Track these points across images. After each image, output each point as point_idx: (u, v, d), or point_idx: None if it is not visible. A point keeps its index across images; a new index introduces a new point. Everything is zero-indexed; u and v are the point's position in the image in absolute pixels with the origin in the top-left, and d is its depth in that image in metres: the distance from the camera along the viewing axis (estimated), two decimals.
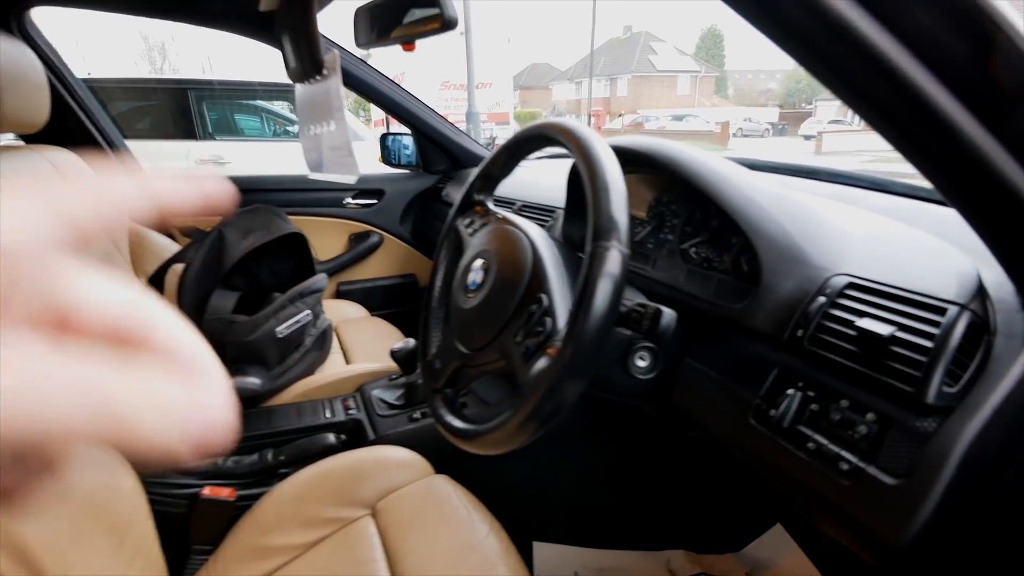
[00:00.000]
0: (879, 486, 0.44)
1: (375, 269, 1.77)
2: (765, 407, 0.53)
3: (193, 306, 0.94)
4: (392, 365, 1.19)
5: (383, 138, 1.72)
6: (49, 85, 1.04)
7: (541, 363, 0.51)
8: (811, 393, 0.51)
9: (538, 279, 0.57)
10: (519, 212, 1.08)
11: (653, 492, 1.21)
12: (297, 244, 1.10)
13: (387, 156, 1.74)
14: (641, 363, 0.62)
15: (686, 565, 1.14)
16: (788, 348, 0.54)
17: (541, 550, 1.13)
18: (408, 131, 1.68)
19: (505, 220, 0.67)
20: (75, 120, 1.36)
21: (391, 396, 1.06)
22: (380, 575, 0.72)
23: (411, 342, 1.02)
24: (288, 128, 4.51)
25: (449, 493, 0.82)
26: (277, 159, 4.05)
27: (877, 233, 0.60)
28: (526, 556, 1.14)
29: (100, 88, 3.49)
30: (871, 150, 10.29)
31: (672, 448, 1.17)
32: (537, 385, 0.50)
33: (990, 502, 0.43)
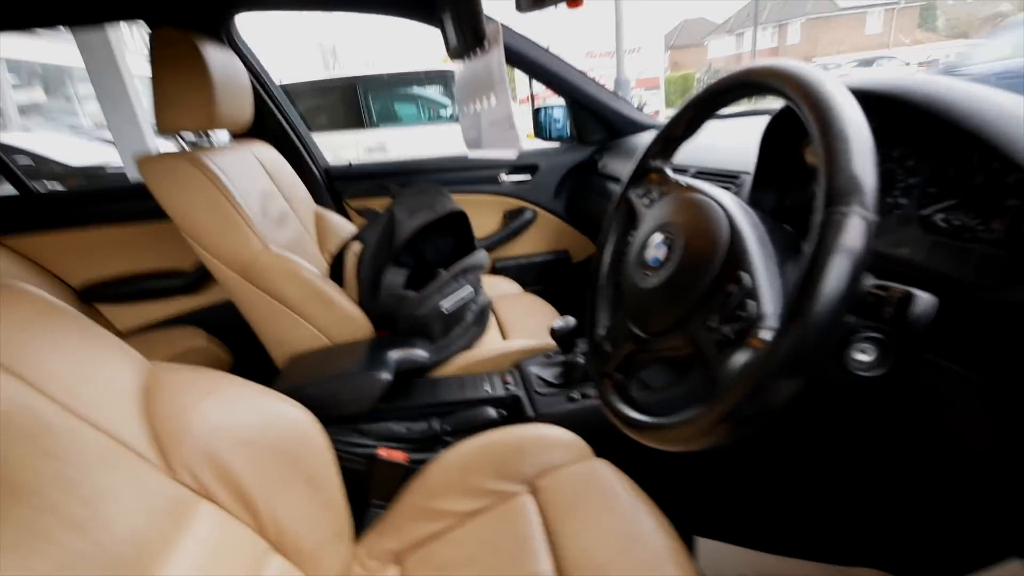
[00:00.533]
0: None
1: (529, 245, 1.77)
2: None
3: (370, 281, 1.02)
4: (549, 342, 1.17)
5: (536, 112, 1.69)
6: (252, 88, 1.19)
7: (743, 355, 0.43)
8: None
9: (737, 255, 0.48)
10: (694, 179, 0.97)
11: (846, 498, 1.03)
12: (459, 222, 1.13)
13: (539, 130, 1.71)
14: (863, 357, 0.50)
15: None
16: None
17: (706, 547, 1.04)
18: (560, 103, 1.63)
19: (690, 188, 0.59)
20: (273, 119, 1.56)
21: (549, 374, 1.04)
22: (540, 553, 0.71)
23: (571, 320, 0.99)
24: (440, 112, 4.77)
25: (611, 479, 0.78)
26: (430, 141, 4.32)
27: None
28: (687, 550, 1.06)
29: (290, 90, 4.03)
30: None
31: (877, 448, 0.98)
32: (740, 382, 0.41)
33: None
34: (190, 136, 1.16)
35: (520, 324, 1.33)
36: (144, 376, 0.69)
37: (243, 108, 1.18)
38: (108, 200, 1.51)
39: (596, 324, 0.70)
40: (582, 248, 1.82)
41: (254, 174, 1.22)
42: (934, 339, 0.50)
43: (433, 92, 4.78)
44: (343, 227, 1.49)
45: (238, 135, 1.45)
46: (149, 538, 0.57)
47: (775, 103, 0.70)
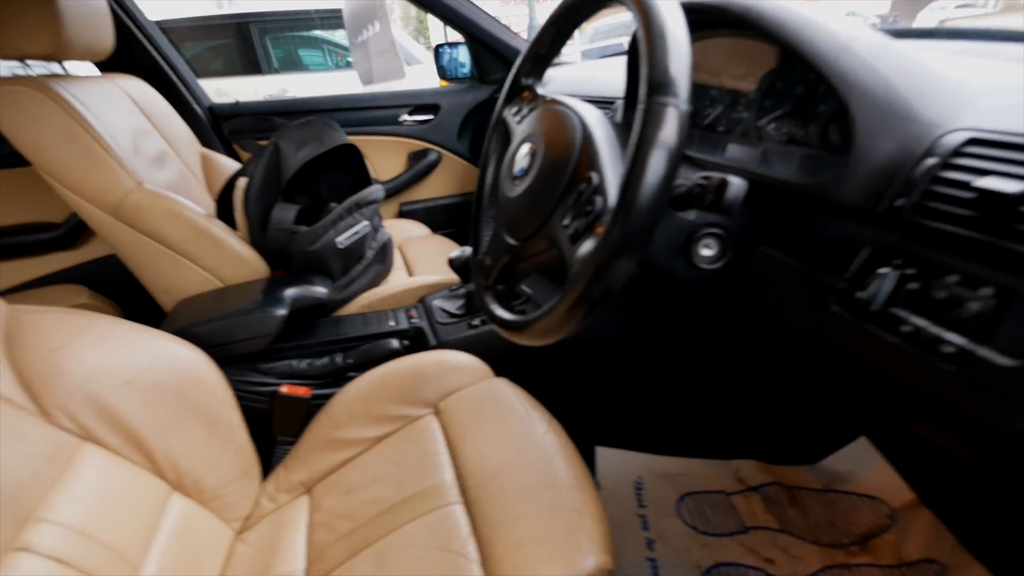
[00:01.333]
0: (991, 368, 0.37)
1: (435, 188, 1.76)
2: (851, 290, 0.46)
3: (258, 219, 0.98)
4: (453, 278, 1.20)
5: (437, 50, 1.64)
6: (114, 15, 1.06)
7: (589, 244, 0.47)
8: (910, 271, 0.43)
9: (587, 156, 0.52)
10: None
11: (722, 400, 1.17)
12: (352, 157, 1.10)
13: (441, 72, 1.66)
14: (707, 251, 0.57)
15: (756, 475, 1.11)
16: (884, 222, 0.46)
17: (604, 455, 1.14)
18: (461, 42, 1.59)
19: (554, 101, 0.61)
20: (143, 52, 1.41)
21: (452, 306, 1.07)
22: (443, 465, 0.75)
23: (467, 250, 1.01)
24: (349, 59, 4.48)
25: (508, 394, 0.83)
26: (340, 89, 4.07)
27: (1010, 81, 0.48)
28: (588, 461, 1.16)
29: (172, 30, 3.60)
30: None
31: (743, 353, 1.11)
32: (585, 267, 0.46)
33: None
34: (41, 68, 1.03)
35: (427, 263, 1.34)
36: (3, 320, 0.64)
37: (99, 35, 1.05)
38: None
39: (480, 242, 0.72)
40: None
41: (122, 108, 1.10)
42: (763, 233, 0.58)
43: (341, 37, 4.47)
44: (229, 166, 1.40)
45: (104, 69, 1.30)
46: (29, 483, 0.55)
47: None
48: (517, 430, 0.77)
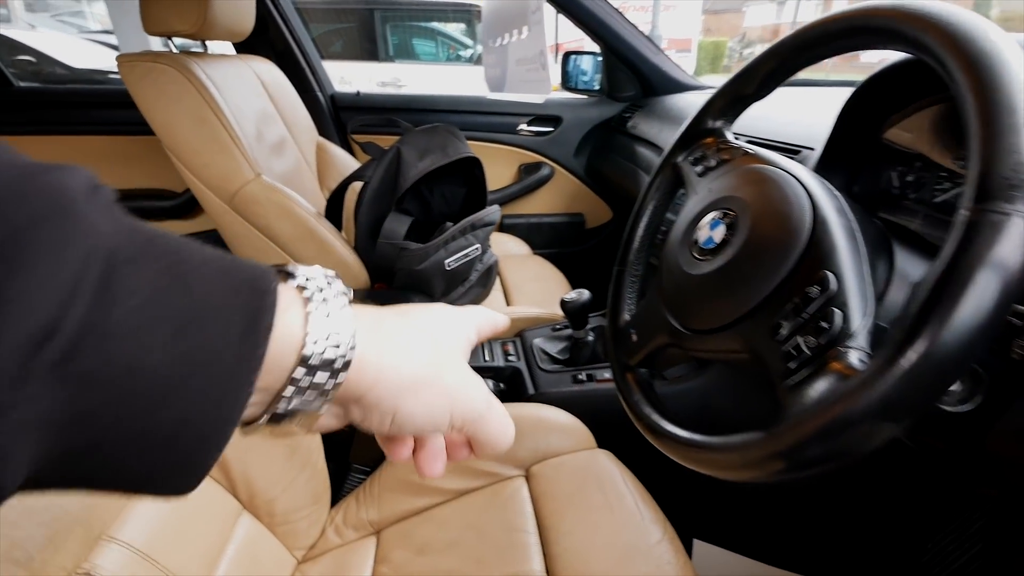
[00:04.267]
0: None
1: (542, 204, 1.66)
2: None
3: (368, 226, 0.92)
4: (555, 312, 1.09)
5: (565, 58, 1.54)
6: None
7: (823, 381, 0.34)
8: None
9: (821, 249, 0.38)
10: None
11: (853, 519, 0.98)
12: (472, 169, 1.02)
13: (566, 79, 1.56)
14: (952, 387, 0.42)
15: None
16: None
17: (702, 550, 0.99)
18: (593, 51, 1.48)
19: (758, 158, 0.48)
20: (279, 34, 1.41)
21: (554, 348, 0.96)
22: (531, 549, 0.65)
23: (584, 294, 0.90)
24: (460, 53, 4.51)
25: (614, 474, 0.72)
26: (448, 81, 4.10)
27: None
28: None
29: (302, 7, 3.77)
30: None
31: (903, 477, 0.92)
32: (814, 415, 0.33)
33: None
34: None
35: (526, 289, 1.25)
36: None
37: (242, 15, 1.04)
38: (95, 105, 1.38)
39: (621, 307, 0.61)
40: (598, 213, 1.71)
41: (252, 92, 1.09)
42: None
43: (456, 30, 4.50)
44: (346, 162, 1.37)
45: (239, 49, 1.31)
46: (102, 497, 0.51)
47: (852, 75, 0.58)
48: (626, 530, 0.65)
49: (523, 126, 1.55)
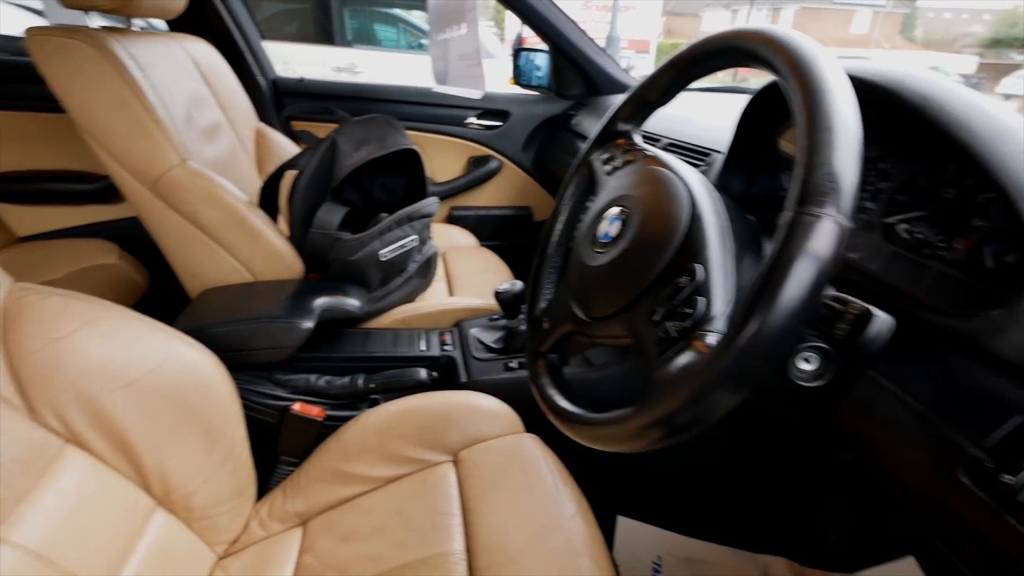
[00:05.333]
0: None
1: (490, 197, 1.67)
2: (993, 465, 0.36)
3: (302, 216, 0.91)
4: (494, 304, 1.11)
5: (516, 54, 1.56)
6: None
7: (685, 358, 0.37)
8: None
9: (693, 243, 0.42)
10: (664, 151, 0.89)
11: (760, 489, 1.05)
12: (411, 161, 1.02)
13: (518, 74, 1.58)
14: (805, 365, 0.46)
15: (785, 572, 0.99)
16: None
17: (625, 526, 1.04)
18: (544, 48, 1.50)
19: (655, 160, 0.52)
20: (214, 12, 1.36)
21: (489, 338, 0.98)
22: (454, 530, 0.67)
23: (518, 284, 0.92)
24: (423, 41, 4.44)
25: (537, 457, 0.74)
26: (408, 71, 4.02)
27: None
28: (608, 528, 1.06)
29: None
30: None
31: (796, 447, 0.99)
32: (677, 387, 0.36)
33: None
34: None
35: (469, 280, 1.26)
36: (3, 298, 0.58)
37: None
38: (6, 79, 1.29)
39: (538, 297, 0.63)
40: (546, 207, 1.74)
41: (183, 73, 1.05)
42: (878, 354, 0.46)
43: (419, 18, 4.42)
44: (287, 149, 1.34)
45: (173, 28, 1.26)
46: None
47: (760, 81, 0.63)
48: (543, 506, 0.68)
49: (471, 119, 1.56)
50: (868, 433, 0.47)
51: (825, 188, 0.33)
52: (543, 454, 0.75)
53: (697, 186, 0.46)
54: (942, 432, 0.40)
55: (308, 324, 0.81)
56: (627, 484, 1.06)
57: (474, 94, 0.86)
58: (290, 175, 0.94)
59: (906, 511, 0.81)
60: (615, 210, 0.49)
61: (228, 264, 0.92)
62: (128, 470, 0.60)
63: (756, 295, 0.33)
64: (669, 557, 1.04)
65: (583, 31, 1.43)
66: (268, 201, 1.00)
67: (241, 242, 0.91)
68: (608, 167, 0.57)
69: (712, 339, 0.36)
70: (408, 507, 0.71)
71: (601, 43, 1.47)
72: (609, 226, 0.49)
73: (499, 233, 1.68)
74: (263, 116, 1.39)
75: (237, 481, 0.73)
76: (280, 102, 1.49)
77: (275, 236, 0.93)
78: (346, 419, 0.82)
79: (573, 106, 1.55)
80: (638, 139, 0.57)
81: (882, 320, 0.38)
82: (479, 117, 1.56)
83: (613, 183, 0.54)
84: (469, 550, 0.64)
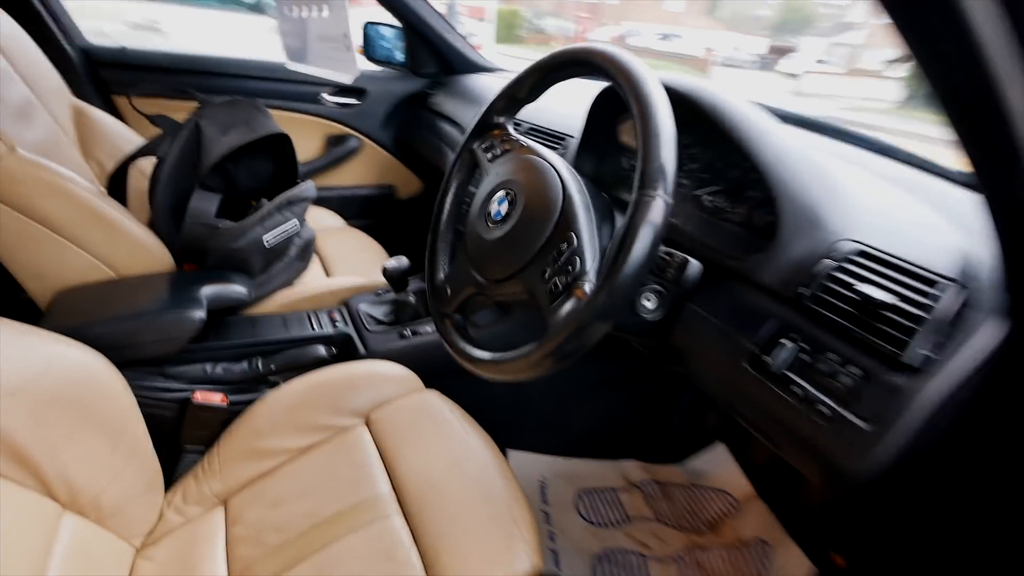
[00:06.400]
0: (852, 428, 0.50)
1: (352, 176, 1.68)
2: (759, 353, 0.58)
3: (169, 207, 0.88)
4: (377, 280, 1.18)
5: (366, 27, 1.56)
6: None
7: (570, 304, 0.53)
8: (804, 345, 0.55)
9: (568, 217, 0.57)
10: (527, 135, 1.04)
11: (615, 411, 1.31)
12: (279, 144, 1.02)
13: (368, 48, 1.58)
14: (647, 304, 0.65)
15: (639, 473, 1.27)
16: (789, 303, 0.58)
17: (515, 457, 1.23)
18: (395, 24, 1.53)
19: (530, 150, 0.65)
20: None
21: (379, 312, 1.06)
22: (378, 478, 0.75)
23: (404, 260, 1.01)
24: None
25: (441, 407, 0.86)
26: (221, 30, 3.59)
27: (886, 203, 0.63)
28: None
29: None
30: (849, 96, 10.39)
31: (634, 374, 1.26)
32: (566, 325, 0.51)
33: (942, 457, 0.50)
34: None
35: (345, 260, 1.30)
36: None
37: None
38: None
39: (436, 268, 0.74)
40: (408, 184, 1.80)
41: None
42: (693, 291, 0.68)
43: None
44: (116, 130, 1.21)
45: None
46: None
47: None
48: (454, 444, 0.80)
49: (326, 96, 1.54)
50: (690, 347, 0.68)
51: (656, 176, 0.49)
52: (446, 404, 0.87)
53: (565, 172, 0.61)
54: (732, 337, 0.61)
55: (199, 314, 0.82)
56: (514, 422, 1.24)
57: (344, 78, 0.90)
58: (145, 163, 0.89)
59: (716, 405, 1.12)
60: (502, 193, 0.62)
61: (84, 261, 0.86)
62: (27, 479, 0.59)
63: (616, 253, 0.49)
64: (552, 476, 1.26)
65: (435, 9, 1.50)
66: (117, 190, 0.93)
67: (98, 237, 0.85)
68: (489, 155, 0.69)
69: (587, 287, 0.52)
70: (331, 466, 0.78)
71: (442, 10, 1.54)
72: (499, 206, 0.62)
73: (364, 212, 1.71)
74: (77, 91, 1.22)
75: (145, 476, 0.73)
76: (97, 75, 1.31)
77: (137, 228, 0.88)
78: (249, 402, 0.85)
79: (430, 84, 1.62)
80: (512, 131, 0.70)
81: (695, 265, 0.57)
82: (334, 94, 1.55)
83: (497, 169, 0.66)
84: (396, 489, 0.74)
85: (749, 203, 0.68)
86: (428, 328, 1.03)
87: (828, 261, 0.56)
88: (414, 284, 1.06)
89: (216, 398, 0.84)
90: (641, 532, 1.16)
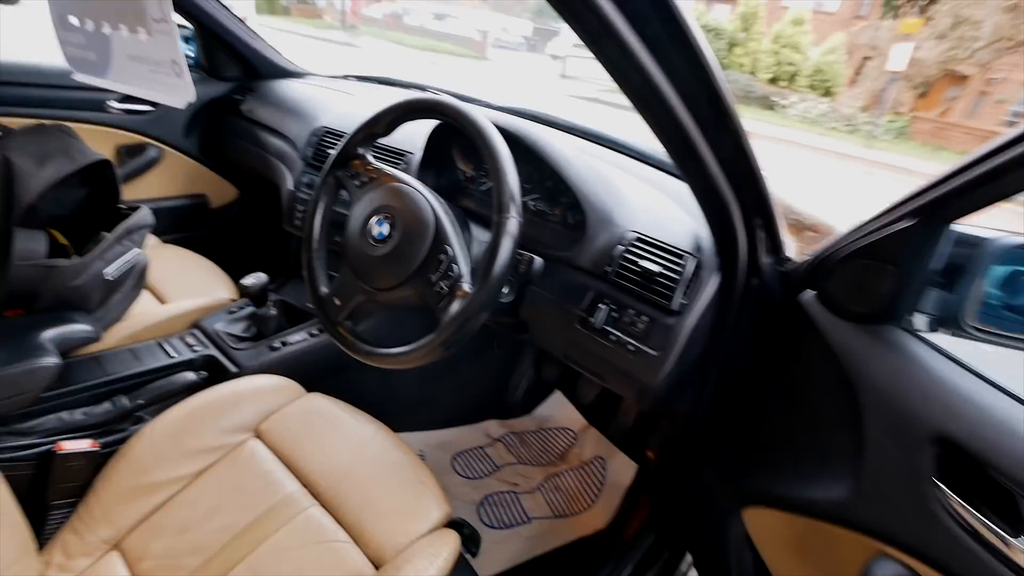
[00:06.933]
0: (649, 356, 0.77)
1: (156, 188, 1.54)
2: (585, 316, 0.83)
3: None
4: (220, 298, 1.17)
5: None
6: None
7: (457, 303, 0.69)
8: (613, 306, 0.82)
9: (441, 233, 0.73)
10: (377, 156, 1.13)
11: (474, 381, 1.53)
12: (97, 170, 0.94)
13: None
14: (505, 290, 0.86)
15: (498, 429, 1.51)
16: (600, 278, 0.84)
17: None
18: (186, 24, 1.44)
19: (396, 179, 0.78)
20: None
21: (238, 329, 1.07)
22: (284, 481, 0.81)
23: (262, 276, 1.04)
24: None
25: (329, 405, 0.93)
26: None
27: (648, 201, 0.93)
28: None
29: None
30: (605, 79, 12.04)
31: (484, 347, 1.49)
32: (455, 319, 0.68)
33: (697, 364, 0.81)
34: None
35: (174, 281, 1.23)
36: None
37: None
38: None
39: (317, 282, 0.83)
40: (222, 192, 1.71)
41: None
42: (536, 278, 0.90)
43: None
44: None
45: None
46: None
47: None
48: (350, 433, 0.90)
49: (113, 103, 1.38)
50: (534, 318, 0.90)
51: (509, 203, 0.68)
52: (332, 402, 0.94)
53: (431, 196, 0.76)
54: (565, 307, 0.84)
55: (51, 360, 0.76)
56: (390, 409, 1.35)
57: (177, 103, 0.89)
58: None
59: (553, 362, 1.40)
60: (380, 216, 0.75)
61: None
62: None
63: (489, 261, 0.66)
64: (428, 448, 1.41)
65: (231, 12, 1.45)
66: None
67: None
68: (356, 182, 0.80)
69: (467, 287, 0.68)
70: (233, 482, 0.81)
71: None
72: (380, 228, 0.74)
73: (177, 225, 1.58)
74: None
75: (16, 541, 0.69)
76: None
77: None
78: (120, 442, 0.82)
79: (237, 89, 1.56)
80: (373, 160, 0.82)
81: (539, 262, 0.78)
82: (122, 100, 1.39)
83: (368, 195, 0.78)
84: (306, 485, 0.82)
85: (562, 206, 0.93)
86: (297, 337, 1.08)
87: (620, 247, 0.83)
88: (275, 297, 1.09)
89: (84, 445, 0.80)
90: (509, 475, 1.40)
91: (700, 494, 0.96)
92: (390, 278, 0.74)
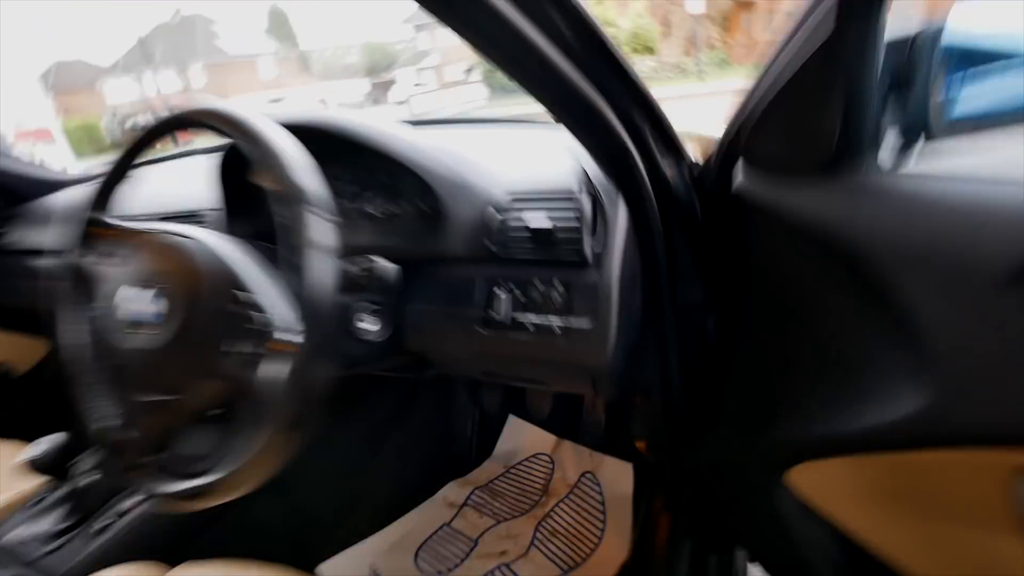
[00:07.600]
0: (581, 332, 0.57)
1: None
2: (485, 313, 0.62)
3: None
4: (17, 491, 0.85)
5: None
6: None
7: (274, 365, 0.45)
8: (513, 287, 0.62)
9: (223, 278, 0.49)
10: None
11: (407, 452, 1.26)
12: None
13: None
14: (371, 327, 0.63)
15: (459, 491, 1.25)
16: (484, 260, 0.64)
17: (329, 568, 1.05)
18: None
19: (154, 233, 0.54)
20: None
21: (49, 524, 0.75)
22: None
23: (57, 437, 0.74)
24: None
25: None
26: None
27: (513, 157, 0.74)
28: None
29: None
30: (452, 105, 12.53)
31: (399, 409, 1.24)
32: (282, 386, 0.44)
33: (645, 317, 0.62)
34: None
35: None
36: None
37: None
38: None
39: (105, 419, 0.55)
40: (25, 353, 1.35)
41: None
42: (407, 294, 0.68)
43: None
44: None
45: None
46: None
47: (205, 142, 0.72)
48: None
49: None
50: (428, 344, 0.68)
51: (296, 192, 0.46)
52: (215, 569, 0.68)
53: (204, 235, 0.52)
54: (456, 313, 0.63)
55: None
56: (308, 536, 1.06)
57: None
58: None
59: (484, 385, 1.16)
60: (143, 291, 0.50)
61: None
62: None
63: (304, 284, 0.44)
64: (379, 557, 1.11)
65: None
66: None
67: None
68: (94, 258, 0.55)
69: (288, 336, 0.45)
70: None
71: None
72: (152, 306, 0.49)
73: None
74: None
75: None
76: None
77: None
78: None
79: None
80: (122, 222, 0.57)
81: (386, 265, 0.56)
82: None
83: (124, 270, 0.52)
84: None
85: (409, 196, 0.72)
86: (137, 497, 0.78)
87: (494, 213, 0.63)
88: (88, 459, 0.78)
89: None
90: (491, 544, 1.14)
91: (720, 472, 0.75)
92: (186, 368, 0.49)
